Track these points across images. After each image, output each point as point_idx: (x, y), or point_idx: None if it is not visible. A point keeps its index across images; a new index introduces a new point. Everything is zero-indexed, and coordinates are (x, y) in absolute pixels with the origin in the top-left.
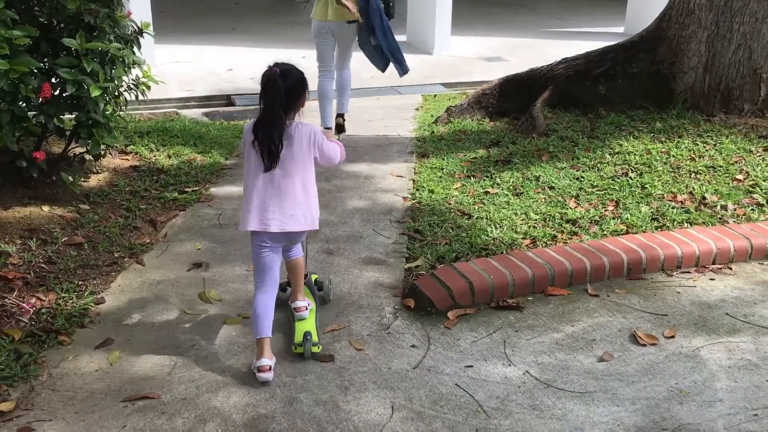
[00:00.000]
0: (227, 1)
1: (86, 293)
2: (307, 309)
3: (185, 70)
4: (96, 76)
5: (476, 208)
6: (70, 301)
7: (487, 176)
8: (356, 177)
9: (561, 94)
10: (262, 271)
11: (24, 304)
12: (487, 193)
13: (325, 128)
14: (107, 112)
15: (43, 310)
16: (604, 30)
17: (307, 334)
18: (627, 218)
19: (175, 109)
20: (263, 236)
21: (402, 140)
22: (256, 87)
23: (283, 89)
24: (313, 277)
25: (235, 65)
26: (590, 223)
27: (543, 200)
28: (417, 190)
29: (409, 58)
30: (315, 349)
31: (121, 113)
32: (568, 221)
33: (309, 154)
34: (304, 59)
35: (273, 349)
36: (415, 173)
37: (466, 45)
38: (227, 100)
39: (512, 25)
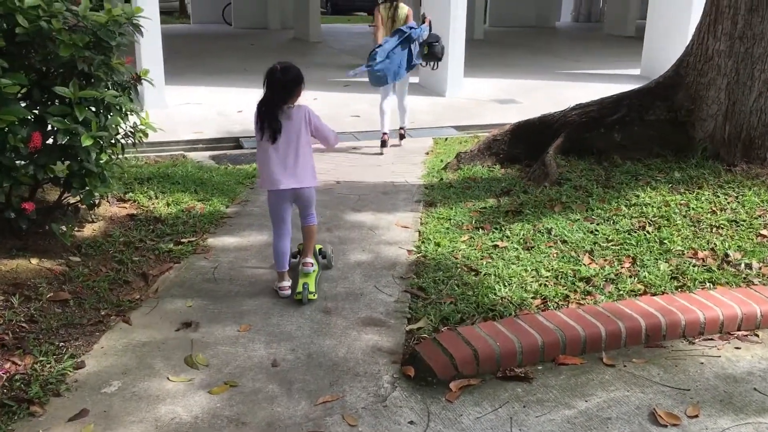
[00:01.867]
0: (243, 42)
1: (66, 356)
2: (312, 267)
3: (195, 112)
4: (89, 125)
5: (484, 263)
6: (48, 366)
7: (496, 228)
8: (360, 228)
9: (574, 141)
10: (277, 221)
11: None
12: (496, 246)
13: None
14: (101, 161)
15: (17, 377)
16: (619, 72)
17: (305, 285)
18: (645, 277)
19: (182, 152)
20: (276, 193)
21: (409, 187)
22: None
23: (281, 81)
24: (318, 246)
25: (245, 107)
26: (605, 281)
27: (555, 255)
28: (422, 242)
29: (421, 101)
30: (311, 297)
31: (118, 161)
32: (581, 279)
33: (305, 129)
34: (316, 101)
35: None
36: (421, 224)
37: (479, 87)
38: (235, 142)
39: (526, 66)
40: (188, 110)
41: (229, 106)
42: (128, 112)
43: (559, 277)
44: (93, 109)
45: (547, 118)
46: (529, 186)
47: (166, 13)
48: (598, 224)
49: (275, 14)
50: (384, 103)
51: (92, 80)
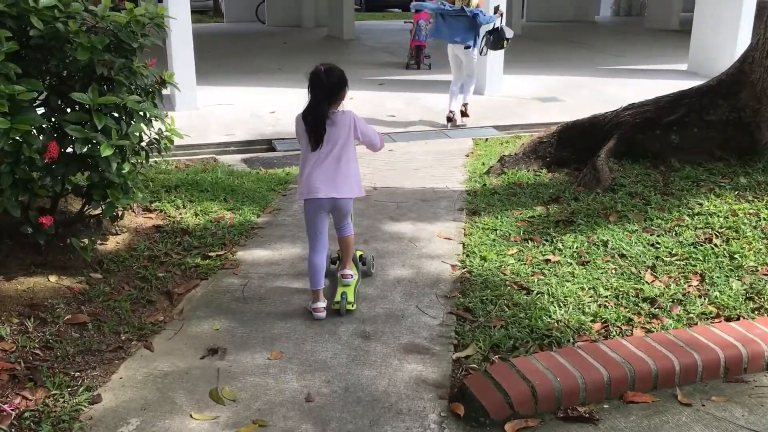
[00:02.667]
0: (276, 40)
1: (81, 389)
2: (352, 277)
3: (227, 113)
4: (109, 133)
5: (536, 280)
6: (61, 400)
7: (547, 240)
8: (399, 239)
9: (628, 143)
10: (314, 235)
11: (5, 406)
12: (547, 261)
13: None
14: (124, 171)
15: (26, 414)
16: (665, 67)
17: (343, 294)
18: (716, 297)
19: (213, 155)
20: (313, 203)
21: (451, 194)
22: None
23: (326, 83)
24: (358, 253)
25: (278, 108)
26: (672, 302)
27: (613, 271)
28: (467, 256)
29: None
30: (350, 307)
31: (142, 170)
32: (645, 300)
33: (350, 136)
34: (352, 100)
35: None
36: (465, 235)
37: (520, 84)
38: (268, 144)
39: (567, 62)
40: (220, 111)
41: (261, 107)
42: (153, 118)
43: (620, 296)
44: (115, 115)
45: (597, 118)
46: (579, 192)
47: (200, 12)
48: (658, 236)
49: (309, 12)
50: (453, 85)
51: (113, 85)
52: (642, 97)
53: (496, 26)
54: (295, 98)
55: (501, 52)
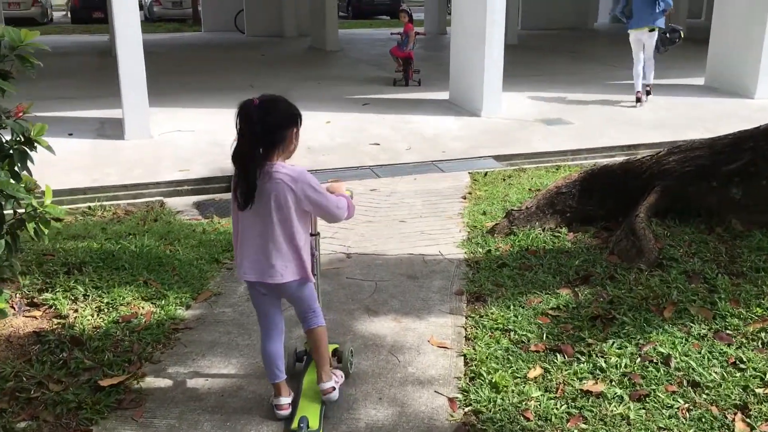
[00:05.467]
0: (254, 51)
1: None
2: (335, 390)
3: (185, 142)
4: None
5: (573, 429)
6: None
7: (581, 352)
8: (376, 349)
9: (674, 197)
10: (261, 319)
11: None
12: (587, 393)
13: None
14: None
15: None
16: (679, 82)
17: (302, 420)
18: None
19: (161, 197)
20: (251, 285)
21: (446, 265)
22: None
23: (259, 122)
24: (331, 347)
25: None
26: None
27: (685, 413)
28: (471, 381)
29: (452, 123)
30: None
31: (8, 262)
32: None
33: (292, 203)
34: (329, 124)
35: None
36: (466, 339)
37: (520, 103)
38: (228, 182)
39: (570, 77)
40: (177, 140)
41: (226, 133)
42: (15, 194)
43: None
44: None
45: (632, 164)
46: (615, 267)
47: (179, 21)
48: (739, 347)
49: (291, 21)
50: (637, 67)
51: None
52: (658, 118)
53: (671, 26)
54: None
55: (500, 67)
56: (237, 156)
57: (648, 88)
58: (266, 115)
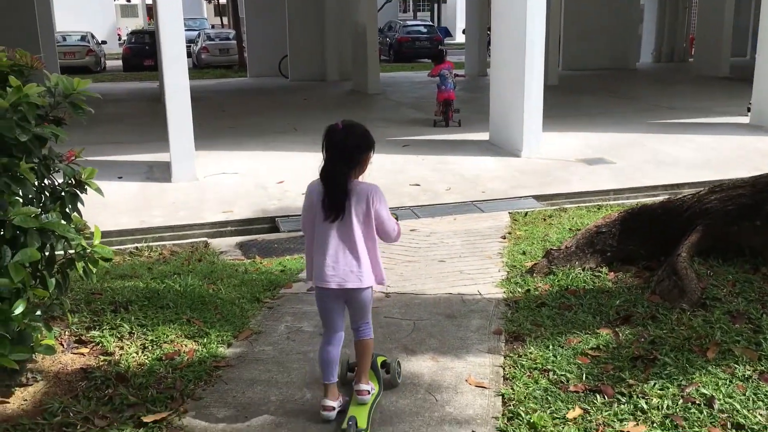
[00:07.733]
0: (297, 96)
1: None
2: (369, 393)
3: (229, 184)
4: None
5: None
6: None
7: (621, 393)
8: (414, 388)
9: (716, 237)
10: (326, 324)
11: None
12: None
13: None
14: (15, 312)
15: None
16: (724, 120)
17: (351, 420)
18: None
19: (206, 238)
20: (325, 292)
21: (485, 305)
22: None
23: (343, 143)
24: (380, 359)
25: (288, 177)
26: None
27: None
28: (509, 421)
29: (492, 163)
30: None
31: (57, 301)
32: None
33: (368, 213)
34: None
35: None
36: (505, 379)
37: (561, 143)
38: (271, 223)
39: (611, 117)
40: (221, 182)
41: (269, 175)
42: (64, 234)
43: None
44: None
45: (672, 203)
46: (657, 307)
47: (225, 67)
48: None
49: (333, 65)
50: None
51: None
52: (703, 158)
53: None
54: (309, 162)
55: (540, 107)
56: (325, 173)
57: None
58: (348, 137)
